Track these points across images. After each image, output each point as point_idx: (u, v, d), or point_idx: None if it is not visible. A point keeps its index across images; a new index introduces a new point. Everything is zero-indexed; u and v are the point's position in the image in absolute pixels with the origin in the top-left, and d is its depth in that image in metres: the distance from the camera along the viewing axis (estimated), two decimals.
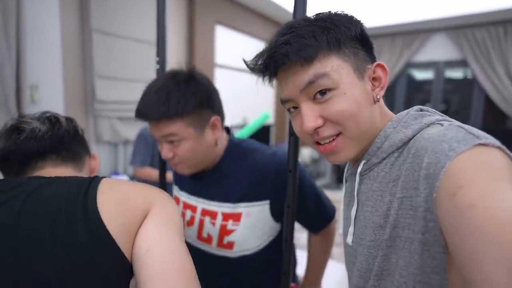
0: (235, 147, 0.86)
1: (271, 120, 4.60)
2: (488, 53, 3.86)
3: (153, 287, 0.42)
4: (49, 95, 2.04)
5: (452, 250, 0.35)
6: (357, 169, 0.54)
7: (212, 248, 0.84)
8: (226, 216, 0.81)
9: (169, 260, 0.45)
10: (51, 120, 0.63)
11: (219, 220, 0.81)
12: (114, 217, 0.47)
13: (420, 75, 4.68)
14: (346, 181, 0.64)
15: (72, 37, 2.16)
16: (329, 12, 0.51)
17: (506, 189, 0.32)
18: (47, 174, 0.57)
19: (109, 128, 2.41)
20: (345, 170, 0.64)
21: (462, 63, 4.19)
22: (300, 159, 0.78)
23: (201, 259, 0.85)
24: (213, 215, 0.82)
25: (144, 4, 2.54)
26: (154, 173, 1.87)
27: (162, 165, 0.99)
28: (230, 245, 0.81)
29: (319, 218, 0.88)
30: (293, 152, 0.74)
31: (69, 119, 0.67)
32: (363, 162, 0.53)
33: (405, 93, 4.67)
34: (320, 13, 0.51)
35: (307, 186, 0.82)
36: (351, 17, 0.50)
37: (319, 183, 4.81)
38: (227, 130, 0.90)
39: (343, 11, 0.51)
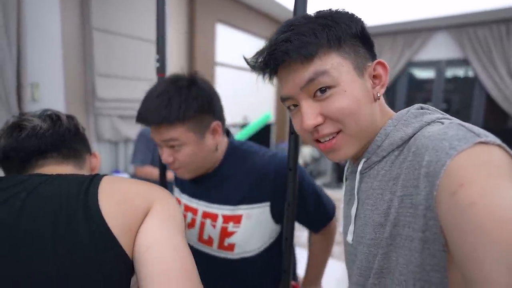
0: (235, 150, 0.86)
1: (271, 119, 4.60)
2: (490, 52, 3.84)
3: (153, 285, 0.42)
4: (49, 93, 2.04)
5: (452, 248, 0.35)
6: (357, 167, 0.54)
7: (213, 250, 0.84)
8: (226, 219, 0.81)
9: (170, 257, 0.45)
10: (52, 118, 0.63)
11: (219, 223, 0.82)
12: (115, 215, 0.47)
13: (421, 74, 4.67)
14: (346, 180, 0.64)
15: (72, 35, 2.16)
16: (330, 9, 0.51)
17: (507, 187, 0.32)
18: (48, 172, 0.57)
19: (110, 126, 2.42)
20: (345, 168, 0.64)
21: (463, 62, 4.18)
22: (300, 158, 0.78)
23: (202, 261, 0.85)
24: (213, 217, 0.83)
25: (144, 2, 2.54)
26: (154, 172, 1.87)
27: (163, 164, 0.99)
28: (231, 247, 0.82)
29: (319, 217, 0.88)
30: (293, 151, 0.74)
31: (70, 117, 0.67)
32: (363, 160, 0.53)
33: (406, 92, 4.67)
34: (320, 11, 0.51)
35: (307, 186, 0.82)
36: (352, 14, 0.50)
37: (319, 181, 4.81)
38: (227, 132, 0.90)
39: (343, 9, 0.51)
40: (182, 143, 0.74)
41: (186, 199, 0.90)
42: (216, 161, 0.84)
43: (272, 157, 0.83)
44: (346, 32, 0.48)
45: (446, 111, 0.49)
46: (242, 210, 0.80)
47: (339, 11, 0.50)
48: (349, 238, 0.57)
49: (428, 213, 0.40)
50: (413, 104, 0.53)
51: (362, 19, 0.51)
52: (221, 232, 0.81)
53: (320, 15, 0.50)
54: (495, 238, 0.29)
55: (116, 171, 2.52)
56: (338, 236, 0.95)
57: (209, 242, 0.84)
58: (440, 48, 4.27)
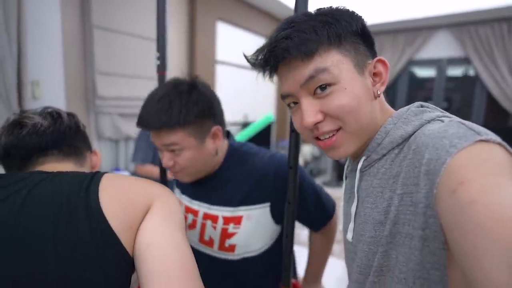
0: (234, 152, 0.87)
1: (273, 120, 4.60)
2: (491, 51, 3.83)
3: (153, 282, 0.42)
4: (50, 91, 2.04)
5: (452, 246, 0.35)
6: (357, 165, 0.54)
7: (214, 251, 0.84)
8: (227, 220, 0.81)
9: (171, 255, 0.45)
10: (53, 115, 0.63)
11: (220, 224, 0.82)
12: (116, 213, 0.47)
13: (422, 72, 4.65)
14: (346, 178, 0.64)
15: (73, 33, 2.16)
16: (330, 7, 0.51)
17: (507, 185, 0.32)
18: (48, 169, 0.57)
19: (110, 124, 2.42)
20: (345, 166, 0.64)
21: (464, 61, 4.17)
22: (300, 157, 0.78)
23: (203, 262, 0.86)
24: (214, 219, 0.83)
25: (144, 1, 2.54)
26: (155, 170, 1.87)
27: None
28: (231, 248, 0.82)
29: (320, 216, 0.88)
30: (294, 149, 0.74)
31: (70, 115, 0.67)
32: (363, 158, 0.53)
33: (407, 91, 4.66)
34: (321, 8, 0.51)
35: (307, 186, 0.83)
36: (352, 12, 0.50)
37: (319, 180, 4.81)
38: (227, 133, 0.90)
39: (344, 7, 0.51)
40: (183, 148, 0.74)
41: (186, 200, 0.90)
42: (216, 164, 0.84)
43: (271, 158, 0.83)
44: (346, 30, 0.48)
45: (447, 109, 0.49)
46: (242, 211, 0.81)
47: (340, 9, 0.50)
48: (349, 236, 0.57)
49: (428, 211, 0.40)
50: (413, 103, 0.53)
51: (362, 17, 0.51)
52: (222, 233, 0.82)
53: (321, 12, 0.50)
54: (495, 236, 0.29)
55: (117, 169, 2.53)
56: (338, 235, 0.95)
57: (210, 243, 0.84)
58: (441, 47, 4.26)
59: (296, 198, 0.76)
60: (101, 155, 0.74)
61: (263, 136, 3.54)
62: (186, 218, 0.89)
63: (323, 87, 0.48)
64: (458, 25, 4.01)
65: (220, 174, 0.85)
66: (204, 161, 0.79)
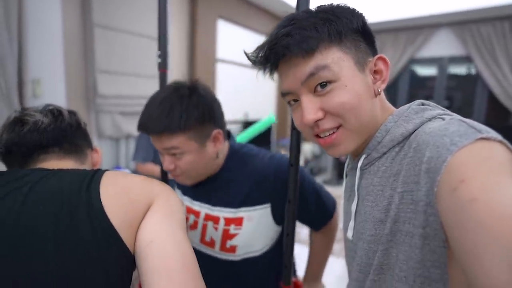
0: (235, 153, 0.87)
1: (275, 121, 4.59)
2: (493, 49, 3.81)
3: (154, 279, 0.42)
4: (51, 90, 2.04)
5: (452, 244, 0.35)
6: (357, 163, 0.54)
7: (215, 252, 0.85)
8: (228, 221, 0.82)
9: (171, 252, 0.45)
10: (54, 113, 0.64)
11: (221, 225, 0.82)
12: (117, 211, 0.47)
13: (423, 71, 4.64)
14: (346, 176, 0.64)
15: (73, 32, 2.16)
16: (331, 4, 0.51)
17: (508, 184, 0.32)
18: (49, 166, 0.57)
19: (111, 123, 2.42)
20: (346, 165, 0.64)
21: (466, 59, 4.15)
22: (301, 155, 0.78)
23: (204, 263, 0.86)
24: (215, 220, 0.83)
25: None
26: (156, 169, 1.86)
27: None
28: (233, 249, 0.83)
29: (320, 216, 0.88)
30: (295, 147, 0.74)
31: (71, 112, 0.67)
32: (363, 156, 0.53)
33: (408, 89, 4.64)
34: (322, 5, 0.51)
35: (307, 186, 0.83)
36: (353, 9, 0.50)
37: (320, 178, 4.81)
38: (228, 134, 0.90)
39: (345, 4, 0.51)
40: (183, 152, 0.74)
41: (188, 201, 0.91)
42: (217, 167, 0.85)
43: (271, 159, 0.83)
44: (347, 27, 0.48)
45: (448, 108, 0.49)
46: (243, 212, 0.81)
47: (341, 6, 0.50)
48: (349, 234, 0.57)
49: (428, 209, 0.40)
50: (414, 101, 0.53)
51: (363, 14, 0.50)
52: (223, 234, 0.82)
53: (321, 9, 0.50)
54: (496, 234, 0.29)
55: (117, 167, 2.53)
56: (338, 233, 0.95)
57: (211, 244, 0.85)
58: (442, 45, 4.25)
59: (297, 196, 0.76)
60: (101, 153, 0.74)
61: (263, 135, 3.54)
62: (187, 218, 0.89)
63: (323, 85, 0.48)
64: (460, 23, 4.00)
65: (221, 176, 0.85)
66: (205, 164, 0.80)
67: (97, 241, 0.44)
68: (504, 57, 3.78)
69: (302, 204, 0.80)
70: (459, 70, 4.36)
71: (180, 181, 0.82)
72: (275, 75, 0.55)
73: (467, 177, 0.33)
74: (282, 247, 0.84)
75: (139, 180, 0.54)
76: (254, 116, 4.06)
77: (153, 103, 0.74)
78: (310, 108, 0.49)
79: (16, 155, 0.59)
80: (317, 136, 0.52)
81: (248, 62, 0.54)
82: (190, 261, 0.46)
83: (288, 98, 0.53)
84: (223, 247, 0.83)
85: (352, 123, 0.49)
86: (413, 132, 0.47)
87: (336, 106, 0.48)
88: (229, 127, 0.89)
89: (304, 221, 0.89)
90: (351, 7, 0.50)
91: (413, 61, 4.51)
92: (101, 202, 0.46)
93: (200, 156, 0.77)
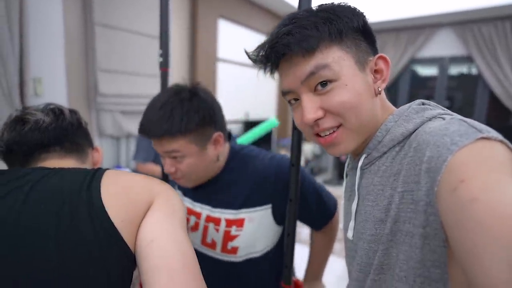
0: (235, 155, 0.87)
1: (273, 115, 4.59)
2: (494, 49, 3.80)
3: (154, 278, 0.42)
4: (52, 89, 2.05)
5: (452, 244, 0.35)
6: (357, 163, 0.54)
7: (216, 254, 0.85)
8: (229, 222, 0.82)
9: (172, 251, 0.45)
10: (55, 112, 0.64)
11: (222, 226, 0.82)
12: (117, 210, 0.47)
13: (424, 71, 4.63)
14: (346, 176, 0.64)
15: (75, 30, 2.16)
16: (332, 3, 0.51)
17: (508, 183, 0.32)
18: (50, 165, 0.57)
19: (112, 121, 2.42)
20: (346, 164, 0.64)
21: (467, 59, 4.15)
22: (302, 155, 0.78)
23: (205, 264, 0.86)
24: (216, 221, 0.83)
25: None
26: (156, 169, 1.86)
27: None
28: (234, 250, 0.83)
29: (321, 215, 0.88)
30: (296, 146, 0.74)
31: (72, 111, 0.67)
32: (364, 156, 0.53)
33: (409, 89, 4.63)
34: (322, 5, 0.51)
35: (308, 185, 0.83)
36: (354, 8, 0.50)
37: (320, 178, 4.81)
38: (229, 135, 0.90)
39: (346, 3, 0.51)
40: (184, 155, 0.74)
41: (189, 203, 0.91)
42: (218, 169, 0.85)
43: (271, 159, 0.83)
44: (347, 26, 0.48)
45: (449, 108, 0.48)
46: (244, 213, 0.81)
47: (341, 5, 0.50)
48: (350, 234, 0.57)
49: (428, 208, 0.39)
50: (414, 101, 0.52)
51: (364, 13, 0.50)
52: (224, 236, 0.82)
53: (322, 8, 0.50)
54: (496, 234, 0.29)
55: (118, 166, 2.53)
56: (339, 233, 0.95)
57: (212, 245, 0.85)
58: (443, 45, 4.24)
59: (298, 195, 0.76)
60: (102, 152, 0.74)
61: (264, 135, 3.54)
62: (188, 220, 0.89)
63: (323, 84, 0.48)
64: (461, 23, 3.99)
65: (222, 177, 0.85)
66: (205, 167, 0.80)
67: (98, 241, 0.44)
68: (505, 57, 3.77)
69: (302, 204, 0.80)
70: (460, 70, 4.35)
71: (181, 184, 0.83)
72: (276, 75, 0.55)
73: (467, 177, 0.33)
74: (283, 248, 0.84)
75: (139, 179, 0.54)
76: (255, 116, 4.06)
77: (154, 106, 0.74)
78: (310, 107, 0.49)
79: (17, 154, 0.59)
80: (317, 135, 0.52)
81: (249, 62, 0.54)
82: (191, 261, 0.45)
83: (288, 97, 0.53)
84: (224, 249, 0.83)
85: (352, 122, 0.49)
86: (413, 132, 0.47)
87: (336, 105, 0.48)
88: (229, 127, 0.89)
89: (305, 221, 0.89)
90: (352, 6, 0.50)
91: (414, 61, 4.50)
92: (102, 201, 0.46)
93: (201, 159, 0.77)
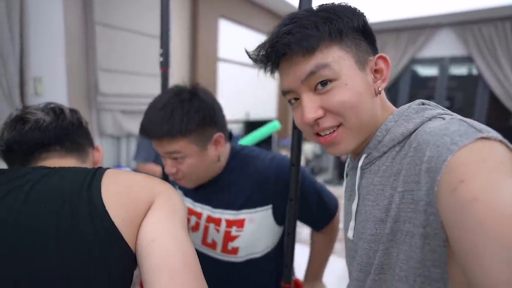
0: (236, 155, 0.87)
1: (274, 115, 4.59)
2: (495, 50, 3.80)
3: (155, 278, 0.42)
4: (52, 88, 2.05)
5: (453, 244, 0.35)
6: (358, 163, 0.54)
7: (217, 254, 0.85)
8: (229, 223, 0.82)
9: (172, 251, 0.45)
10: (56, 111, 0.64)
11: (223, 227, 0.83)
12: (118, 209, 0.47)
13: (425, 71, 4.63)
14: (347, 176, 0.64)
15: (75, 30, 2.16)
16: (332, 3, 0.51)
17: (508, 183, 0.32)
18: (51, 165, 0.56)
19: (112, 121, 2.42)
20: (346, 164, 0.64)
21: (467, 60, 4.15)
22: (302, 155, 0.78)
23: (206, 264, 0.87)
24: (217, 222, 0.84)
25: None
26: (157, 169, 1.86)
27: None
28: (234, 251, 0.83)
29: (321, 215, 0.88)
30: (296, 146, 0.74)
31: (73, 111, 0.67)
32: (364, 156, 0.53)
33: (409, 89, 4.63)
34: (323, 4, 0.51)
35: (308, 185, 0.83)
36: (354, 8, 0.50)
37: (321, 178, 4.80)
38: (230, 136, 0.90)
39: (346, 3, 0.51)
40: (185, 155, 0.75)
41: (189, 203, 0.91)
42: (219, 169, 0.85)
43: (272, 160, 0.84)
44: (348, 26, 0.48)
45: (449, 108, 0.49)
46: (244, 214, 0.81)
47: (342, 5, 0.50)
48: (350, 234, 0.57)
49: (429, 208, 0.40)
50: (414, 101, 0.53)
51: (364, 13, 0.50)
52: (225, 236, 0.82)
53: (322, 8, 0.50)
54: (496, 234, 0.29)
55: (118, 166, 2.53)
56: (339, 233, 0.95)
57: (213, 245, 0.85)
58: (444, 45, 4.24)
59: (298, 195, 0.76)
60: (103, 151, 0.74)
61: (265, 137, 3.53)
62: (189, 220, 0.89)
63: (324, 83, 0.48)
64: (461, 23, 3.99)
65: (223, 178, 0.85)
66: (206, 168, 0.80)
67: (99, 240, 0.44)
68: (505, 58, 3.77)
69: (303, 204, 0.80)
70: (460, 70, 4.35)
71: (182, 184, 0.83)
72: (276, 74, 0.55)
73: (467, 177, 0.33)
74: (284, 248, 0.84)
75: (140, 178, 0.54)
76: (256, 116, 4.06)
77: (154, 107, 0.75)
78: (310, 107, 0.49)
79: (17, 153, 0.59)
80: (318, 134, 0.52)
81: (250, 61, 0.54)
82: (192, 260, 0.45)
83: (288, 97, 0.53)
84: (224, 249, 0.83)
85: (352, 122, 0.49)
86: (413, 132, 0.47)
87: (336, 104, 0.48)
88: (230, 127, 0.90)
89: (306, 221, 0.89)
90: (352, 6, 0.51)
91: (414, 61, 4.50)
92: (102, 200, 0.46)
93: (202, 159, 0.77)
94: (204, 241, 0.87)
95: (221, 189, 0.85)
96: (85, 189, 0.47)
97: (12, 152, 0.59)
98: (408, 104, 0.51)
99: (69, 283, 0.42)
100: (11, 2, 1.71)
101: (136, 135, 2.52)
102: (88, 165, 0.67)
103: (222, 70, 3.51)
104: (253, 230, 0.81)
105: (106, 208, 0.46)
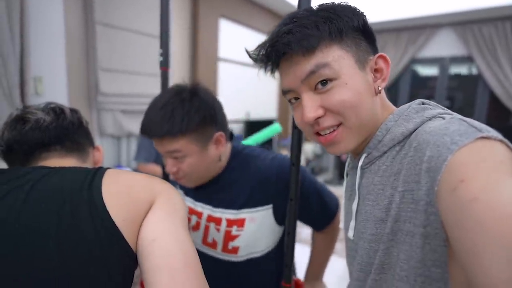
0: (237, 155, 0.87)
1: (274, 115, 4.59)
2: (495, 49, 3.80)
3: (156, 277, 0.42)
4: (53, 88, 2.05)
5: (453, 243, 0.35)
6: (358, 162, 0.54)
7: (217, 253, 0.85)
8: (230, 222, 0.82)
9: (173, 251, 0.45)
10: (56, 111, 0.64)
11: (223, 226, 0.83)
12: (119, 209, 0.47)
13: (425, 71, 4.63)
14: (347, 175, 0.64)
15: (75, 30, 2.16)
16: (332, 3, 0.51)
17: (508, 183, 0.32)
18: (51, 164, 0.56)
19: (113, 121, 2.42)
20: (346, 164, 0.64)
21: (467, 59, 4.14)
22: (302, 155, 0.78)
23: (206, 264, 0.87)
24: (217, 221, 0.84)
25: None
26: (158, 169, 1.85)
27: None
28: (235, 250, 0.83)
29: (322, 216, 0.88)
30: (296, 146, 0.74)
31: (73, 111, 0.67)
32: (364, 155, 0.53)
33: (409, 89, 4.63)
34: (323, 4, 0.51)
35: (308, 185, 0.83)
36: (354, 8, 0.50)
37: (321, 178, 4.80)
38: (231, 135, 0.90)
39: (346, 3, 0.51)
40: (185, 155, 0.75)
41: (190, 202, 0.91)
42: (220, 169, 0.85)
43: (273, 160, 0.83)
44: (348, 25, 0.48)
45: (450, 108, 0.49)
46: (245, 213, 0.81)
47: (342, 5, 0.50)
48: (350, 234, 0.57)
49: (429, 208, 0.40)
50: (415, 100, 0.53)
51: (364, 13, 0.51)
52: (225, 236, 0.82)
53: (323, 8, 0.50)
54: (496, 233, 0.29)
55: (119, 165, 2.53)
56: (340, 233, 0.95)
57: (213, 245, 0.85)
58: (444, 45, 4.24)
59: (298, 195, 0.76)
60: (103, 151, 0.74)
61: (266, 139, 3.53)
62: (190, 219, 0.90)
63: (324, 82, 0.48)
64: (461, 23, 3.99)
65: (223, 177, 0.85)
66: (207, 167, 0.80)
67: (99, 240, 0.44)
68: (505, 58, 3.76)
69: (304, 204, 0.80)
70: (461, 70, 4.35)
71: (183, 184, 0.83)
72: (277, 74, 0.55)
73: (467, 177, 0.33)
74: (284, 248, 0.84)
75: (141, 178, 0.54)
76: (256, 116, 4.06)
77: (155, 107, 0.75)
78: (310, 106, 0.49)
79: (17, 153, 0.59)
80: (318, 134, 0.52)
81: (250, 61, 0.54)
82: (193, 260, 0.45)
83: (289, 96, 0.53)
84: (225, 248, 0.83)
85: (352, 121, 0.49)
86: (413, 131, 0.47)
87: (336, 104, 0.48)
88: (230, 126, 0.90)
89: (307, 222, 0.89)
90: (352, 6, 0.51)
91: (415, 61, 4.50)
92: (103, 200, 0.46)
93: (202, 159, 0.77)
94: (204, 241, 0.87)
95: (222, 189, 0.85)
96: (86, 188, 0.47)
97: (12, 152, 0.59)
98: (408, 104, 0.51)
99: (69, 282, 0.42)
100: (11, 2, 1.71)
101: (136, 135, 2.52)
102: (88, 165, 0.67)
103: (223, 70, 3.51)
104: (254, 230, 0.81)
105: (107, 208, 0.46)
